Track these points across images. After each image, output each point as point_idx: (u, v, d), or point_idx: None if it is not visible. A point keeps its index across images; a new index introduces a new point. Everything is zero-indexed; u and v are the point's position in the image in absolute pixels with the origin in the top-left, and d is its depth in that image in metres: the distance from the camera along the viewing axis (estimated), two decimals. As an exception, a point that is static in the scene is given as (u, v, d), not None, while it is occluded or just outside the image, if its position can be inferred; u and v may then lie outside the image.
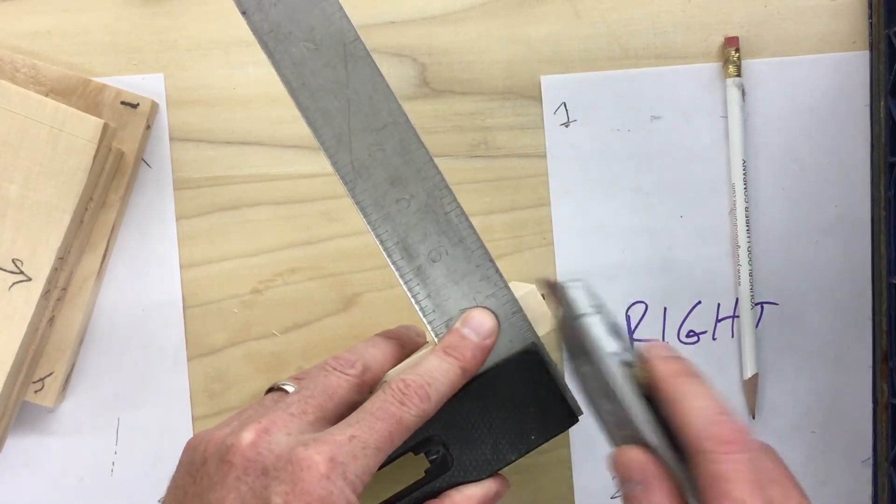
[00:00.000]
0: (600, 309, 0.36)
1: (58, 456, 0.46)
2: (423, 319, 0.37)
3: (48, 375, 0.45)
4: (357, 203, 0.37)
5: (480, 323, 0.37)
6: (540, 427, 0.37)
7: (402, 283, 0.37)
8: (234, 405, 0.47)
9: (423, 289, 0.37)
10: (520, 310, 0.37)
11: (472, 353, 0.36)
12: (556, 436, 0.37)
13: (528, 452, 0.37)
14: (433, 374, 0.35)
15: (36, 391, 0.45)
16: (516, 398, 0.37)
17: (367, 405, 0.34)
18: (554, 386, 0.37)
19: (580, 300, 0.36)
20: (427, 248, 0.37)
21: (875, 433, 0.49)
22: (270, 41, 0.36)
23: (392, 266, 0.37)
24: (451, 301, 0.37)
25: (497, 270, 0.37)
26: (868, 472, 0.49)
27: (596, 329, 0.35)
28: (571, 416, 0.37)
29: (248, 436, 0.32)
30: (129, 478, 0.47)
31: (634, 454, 0.33)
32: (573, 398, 0.37)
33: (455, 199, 0.37)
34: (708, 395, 0.33)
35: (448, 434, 0.36)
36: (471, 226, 0.37)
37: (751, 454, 0.31)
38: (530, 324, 0.37)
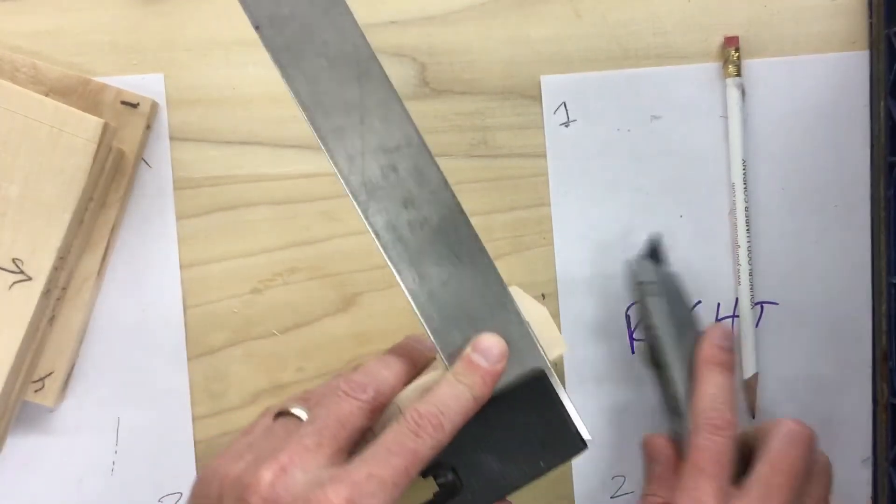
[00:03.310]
0: (665, 277, 0.42)
1: (58, 456, 0.46)
2: (434, 341, 0.36)
3: (48, 375, 0.45)
4: (369, 224, 0.36)
5: (490, 347, 0.36)
6: (548, 453, 0.36)
7: (413, 305, 0.36)
8: (234, 405, 0.47)
9: (434, 311, 0.36)
10: (529, 334, 0.37)
11: (482, 379, 0.35)
12: (564, 462, 0.37)
13: (536, 478, 0.36)
14: (446, 403, 0.35)
15: (36, 391, 0.45)
16: (524, 423, 0.36)
17: (382, 439, 0.33)
18: (562, 412, 0.36)
19: (645, 270, 0.43)
20: (439, 270, 0.36)
21: (875, 433, 0.49)
22: (283, 57, 0.35)
23: (403, 288, 0.36)
24: (462, 324, 0.36)
25: (508, 294, 0.37)
26: (868, 472, 0.49)
27: (655, 301, 0.42)
28: (580, 443, 0.37)
29: (266, 475, 0.32)
30: (129, 478, 0.46)
31: (658, 441, 0.42)
32: (581, 424, 0.37)
33: (468, 222, 0.36)
34: (720, 385, 0.40)
35: (457, 458, 0.35)
36: (483, 249, 0.36)
37: (730, 440, 0.39)
38: (540, 348, 0.37)
